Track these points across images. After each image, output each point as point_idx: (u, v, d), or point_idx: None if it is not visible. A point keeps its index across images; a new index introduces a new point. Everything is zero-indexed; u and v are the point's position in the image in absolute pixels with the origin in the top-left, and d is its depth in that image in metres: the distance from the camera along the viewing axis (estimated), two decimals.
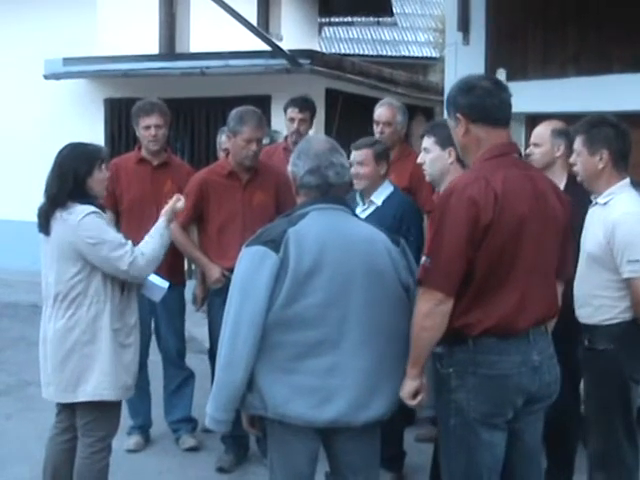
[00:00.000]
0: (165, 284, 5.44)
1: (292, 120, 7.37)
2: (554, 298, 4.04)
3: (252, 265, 3.88)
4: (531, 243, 3.82)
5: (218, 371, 3.94)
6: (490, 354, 3.80)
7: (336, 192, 4.09)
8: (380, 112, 6.99)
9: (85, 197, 4.96)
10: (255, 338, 3.83)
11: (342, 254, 3.91)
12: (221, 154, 7.19)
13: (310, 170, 4.03)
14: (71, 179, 4.93)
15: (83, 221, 4.86)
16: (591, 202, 5.03)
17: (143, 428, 6.87)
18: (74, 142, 5.14)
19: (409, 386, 3.92)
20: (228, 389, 3.91)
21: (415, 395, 3.93)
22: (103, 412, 5.01)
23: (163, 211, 5.37)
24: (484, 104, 3.91)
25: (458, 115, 3.94)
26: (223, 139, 7.33)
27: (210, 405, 3.98)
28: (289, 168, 4.15)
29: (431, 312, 3.74)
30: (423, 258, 3.76)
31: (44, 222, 4.99)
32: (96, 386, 4.92)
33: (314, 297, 3.84)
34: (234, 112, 6.32)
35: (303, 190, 4.08)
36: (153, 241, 5.14)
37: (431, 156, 5.24)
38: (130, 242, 5.02)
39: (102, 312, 4.92)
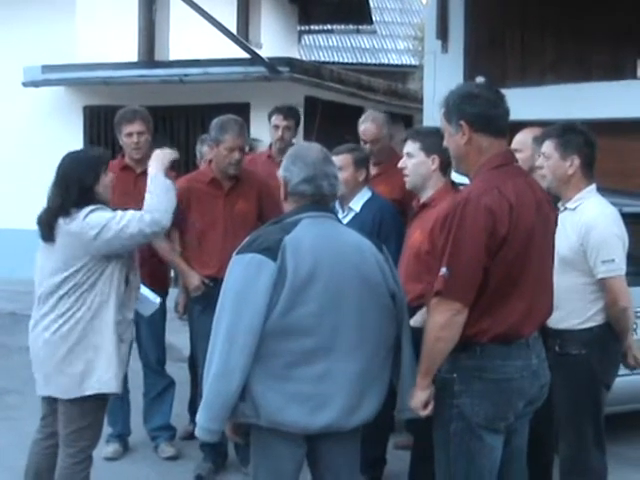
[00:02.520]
0: (157, 299, 5.41)
1: (276, 127, 7.36)
2: (551, 303, 4.11)
3: (248, 273, 3.83)
4: (537, 251, 3.87)
5: (211, 381, 3.86)
6: (496, 359, 3.83)
7: (326, 201, 4.10)
8: (365, 129, 6.86)
9: (93, 204, 4.91)
10: (252, 347, 3.79)
11: (335, 262, 3.90)
12: (202, 164, 7.16)
13: (306, 179, 4.00)
14: (76, 190, 4.86)
15: (88, 217, 4.81)
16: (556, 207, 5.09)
17: (121, 436, 6.84)
18: (75, 151, 5.10)
19: (421, 396, 3.90)
20: (223, 399, 3.85)
21: (426, 405, 3.92)
22: (88, 423, 4.95)
23: (152, 159, 5.27)
24: (489, 114, 3.92)
25: (462, 123, 3.92)
26: (205, 149, 7.31)
27: (202, 415, 3.91)
28: (280, 172, 4.10)
29: (448, 323, 3.74)
30: (442, 270, 3.73)
31: (48, 231, 4.90)
32: (99, 378, 4.87)
33: (310, 305, 3.82)
34: (215, 121, 6.29)
35: (294, 197, 4.05)
36: (153, 193, 5.05)
37: (414, 161, 5.22)
38: (131, 210, 4.97)
39: (106, 303, 4.87)
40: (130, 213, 4.90)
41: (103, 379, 4.88)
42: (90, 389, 4.89)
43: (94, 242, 4.80)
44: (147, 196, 5.06)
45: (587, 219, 4.83)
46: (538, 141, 5.67)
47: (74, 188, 4.87)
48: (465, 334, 3.77)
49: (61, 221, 4.85)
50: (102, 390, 4.90)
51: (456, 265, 3.71)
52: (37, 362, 5.03)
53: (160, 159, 5.23)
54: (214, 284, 5.93)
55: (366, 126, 6.86)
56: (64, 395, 4.97)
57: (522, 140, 5.74)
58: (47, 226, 4.90)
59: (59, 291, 4.90)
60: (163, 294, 6.88)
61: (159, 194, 5.04)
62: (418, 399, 3.90)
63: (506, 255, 3.73)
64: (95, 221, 4.81)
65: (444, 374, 3.91)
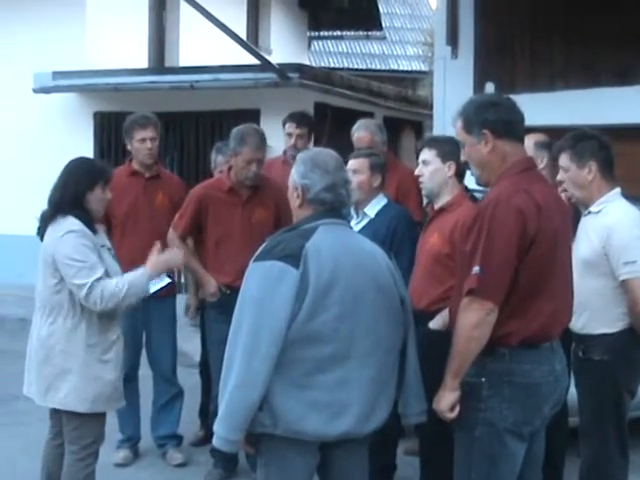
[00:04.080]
0: (164, 280, 5.41)
1: (290, 135, 7.40)
2: (572, 307, 4.15)
3: (270, 281, 3.79)
4: (562, 254, 3.96)
5: (232, 391, 3.79)
6: (524, 363, 3.86)
7: (342, 208, 4.09)
8: (358, 137, 6.96)
9: (82, 211, 4.98)
10: (275, 357, 3.75)
11: (353, 269, 3.90)
12: (216, 173, 7.15)
13: (327, 187, 3.98)
14: (72, 190, 4.97)
15: (63, 237, 4.88)
16: (578, 211, 5.08)
17: (132, 442, 6.84)
18: (81, 157, 5.23)
19: (450, 398, 3.91)
20: (244, 409, 3.79)
21: (453, 407, 3.93)
22: (85, 421, 5.01)
23: (153, 263, 5.14)
24: (511, 119, 3.98)
25: (485, 131, 3.95)
26: (219, 158, 7.31)
27: (222, 426, 3.84)
28: (297, 179, 4.05)
29: (481, 322, 3.76)
30: (475, 268, 3.76)
31: (42, 227, 5.04)
32: (66, 396, 4.93)
33: (330, 312, 3.80)
34: (236, 131, 6.27)
35: (314, 205, 4.02)
36: (120, 284, 4.93)
37: (431, 168, 5.25)
38: (101, 272, 4.88)
39: (77, 326, 4.93)
40: (90, 281, 4.81)
41: (69, 398, 4.94)
42: (52, 402, 5.00)
43: (60, 265, 4.89)
44: (122, 277, 4.99)
45: (609, 222, 4.82)
46: (539, 146, 5.70)
47: (69, 190, 4.98)
48: (492, 336, 3.80)
49: (55, 221, 4.98)
50: (66, 407, 4.97)
51: (489, 264, 3.75)
52: (28, 360, 5.15)
53: (156, 269, 5.14)
54: (230, 291, 5.95)
55: (359, 134, 6.96)
56: (35, 399, 5.10)
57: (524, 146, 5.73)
58: (45, 222, 5.03)
59: (41, 298, 5.05)
60: (172, 298, 6.88)
61: (129, 294, 4.94)
62: (447, 401, 3.91)
63: (534, 256, 3.79)
64: (69, 248, 4.87)
65: (471, 378, 3.91)
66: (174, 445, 6.86)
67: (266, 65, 12.26)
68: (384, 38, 26.15)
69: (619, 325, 4.85)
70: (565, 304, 4.05)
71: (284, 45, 19.56)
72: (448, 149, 5.19)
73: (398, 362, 4.10)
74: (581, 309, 4.90)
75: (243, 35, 15.26)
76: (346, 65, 25.96)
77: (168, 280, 5.48)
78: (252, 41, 16.90)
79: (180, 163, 13.52)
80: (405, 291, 4.16)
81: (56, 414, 5.16)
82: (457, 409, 3.92)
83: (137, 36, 15.42)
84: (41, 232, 5.05)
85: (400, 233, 5.83)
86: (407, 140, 15.53)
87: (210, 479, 6.37)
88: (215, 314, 6.22)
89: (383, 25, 23.95)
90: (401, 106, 15.37)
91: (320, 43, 26.09)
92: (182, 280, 8.87)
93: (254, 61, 12.53)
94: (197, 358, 7.29)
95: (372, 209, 5.97)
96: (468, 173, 4.46)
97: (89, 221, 5.02)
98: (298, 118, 7.52)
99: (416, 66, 26.88)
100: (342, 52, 27.01)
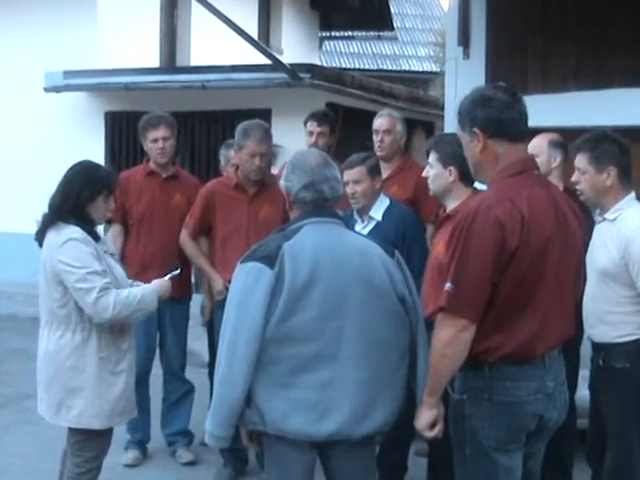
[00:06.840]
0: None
1: (311, 134, 7.41)
2: (571, 321, 3.91)
3: (248, 282, 3.87)
4: (553, 266, 3.69)
5: (216, 387, 3.93)
6: (506, 380, 3.68)
7: (330, 205, 4.10)
8: (380, 121, 6.99)
9: (83, 218, 4.85)
10: (253, 354, 3.81)
11: (337, 267, 3.89)
12: (228, 168, 7.17)
13: (305, 186, 4.02)
14: (73, 200, 4.82)
15: (64, 246, 4.74)
16: (589, 215, 5.02)
17: (141, 443, 6.84)
18: (89, 162, 5.05)
19: (427, 416, 3.82)
20: (227, 405, 3.88)
21: (433, 426, 3.84)
22: (92, 435, 4.90)
23: (158, 284, 5.10)
24: (502, 118, 3.72)
25: (475, 130, 3.76)
26: (230, 153, 7.33)
27: (209, 422, 3.95)
28: (282, 183, 4.13)
29: (453, 339, 3.60)
30: (447, 284, 3.61)
31: (41, 231, 4.90)
32: (80, 414, 4.80)
33: (310, 311, 3.82)
34: (241, 125, 6.32)
35: (298, 205, 4.07)
36: (132, 295, 4.83)
37: (433, 173, 5.20)
38: (107, 280, 4.75)
39: (88, 339, 4.79)
40: (98, 285, 4.68)
41: (83, 416, 4.82)
42: (66, 421, 4.87)
43: (63, 273, 4.74)
44: (134, 293, 4.86)
45: (627, 232, 4.73)
46: (553, 145, 5.68)
47: (70, 199, 4.83)
48: (473, 352, 3.64)
49: (53, 228, 4.84)
50: (79, 426, 4.85)
51: (462, 280, 3.58)
52: (38, 376, 5.01)
53: (163, 290, 5.10)
54: None
55: (381, 119, 7.02)
56: (46, 417, 4.97)
57: (538, 145, 5.72)
58: (43, 226, 4.89)
59: (46, 312, 4.92)
60: (187, 299, 6.90)
61: (140, 308, 4.86)
62: (424, 419, 3.83)
63: (516, 270, 3.57)
64: (70, 256, 4.73)
65: (456, 395, 3.83)
66: (184, 443, 6.86)
67: (277, 65, 12.27)
68: (395, 39, 26.19)
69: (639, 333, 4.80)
70: (559, 318, 3.76)
71: (295, 45, 19.57)
72: (450, 152, 5.02)
73: (406, 362, 4.06)
74: (599, 318, 4.84)
75: (254, 35, 15.24)
76: (357, 65, 25.94)
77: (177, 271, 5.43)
78: (263, 41, 16.91)
79: (191, 163, 13.51)
80: (407, 290, 4.07)
81: None
82: (438, 428, 3.83)
83: (148, 35, 15.43)
84: (40, 236, 4.91)
85: (410, 236, 5.80)
86: (418, 141, 15.49)
87: (219, 478, 6.37)
88: (222, 314, 6.20)
89: (394, 26, 23.93)
90: (412, 107, 15.32)
91: (331, 43, 26.10)
92: (192, 280, 8.86)
93: (265, 61, 12.54)
94: (207, 358, 7.29)
95: (377, 211, 5.93)
96: None
97: (91, 228, 4.90)
98: (319, 116, 7.56)
99: (427, 67, 26.85)
100: (353, 52, 27.00)
